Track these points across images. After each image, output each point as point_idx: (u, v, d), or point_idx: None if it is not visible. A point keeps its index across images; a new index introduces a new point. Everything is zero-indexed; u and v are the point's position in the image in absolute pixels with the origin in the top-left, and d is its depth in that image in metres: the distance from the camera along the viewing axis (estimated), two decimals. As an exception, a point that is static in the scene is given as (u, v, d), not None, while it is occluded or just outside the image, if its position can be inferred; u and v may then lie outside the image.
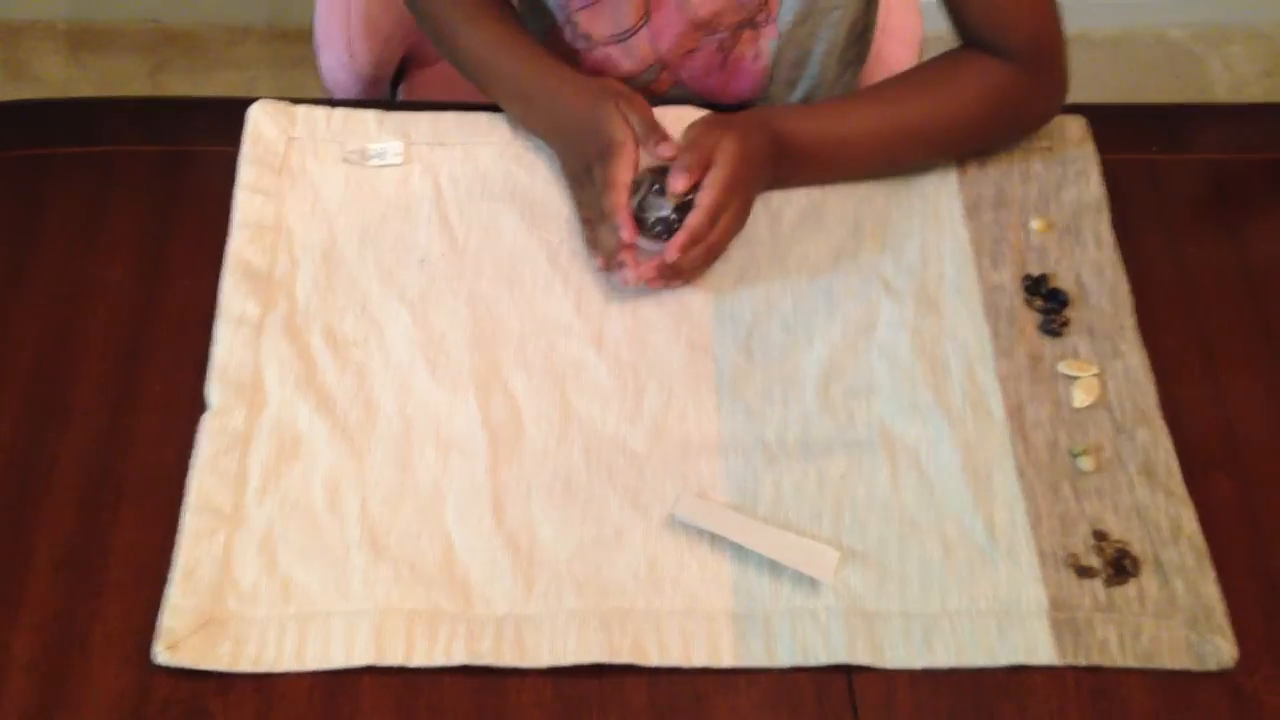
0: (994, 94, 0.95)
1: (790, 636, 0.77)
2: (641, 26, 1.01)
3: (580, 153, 0.92)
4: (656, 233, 0.87)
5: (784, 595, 0.78)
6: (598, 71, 1.06)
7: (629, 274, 0.88)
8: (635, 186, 0.87)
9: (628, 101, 0.93)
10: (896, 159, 0.97)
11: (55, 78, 2.04)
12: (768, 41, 1.02)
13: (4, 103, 0.99)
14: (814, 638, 0.77)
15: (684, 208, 0.86)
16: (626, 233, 0.86)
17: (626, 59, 1.03)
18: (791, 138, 0.93)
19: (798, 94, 1.08)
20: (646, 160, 0.89)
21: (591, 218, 0.91)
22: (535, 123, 0.97)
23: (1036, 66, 0.95)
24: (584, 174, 0.92)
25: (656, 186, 0.87)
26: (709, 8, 0.98)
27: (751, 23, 1.00)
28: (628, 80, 1.03)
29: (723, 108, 0.97)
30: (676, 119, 0.96)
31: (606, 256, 0.89)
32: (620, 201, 0.87)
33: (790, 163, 0.93)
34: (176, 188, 0.95)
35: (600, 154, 0.89)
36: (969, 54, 0.96)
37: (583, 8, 1.01)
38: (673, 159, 0.87)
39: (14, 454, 0.82)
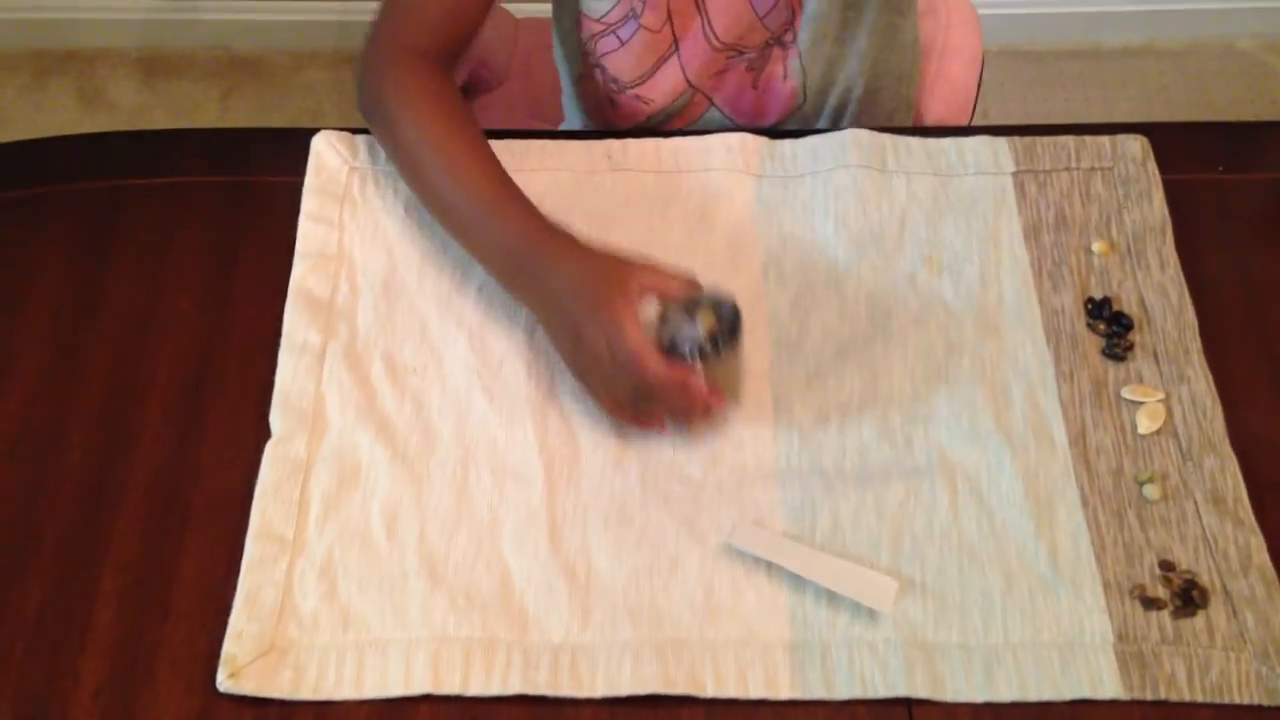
0: None
1: (848, 668, 0.76)
2: (670, 55, 1.01)
3: (575, 321, 0.83)
4: (691, 361, 0.80)
5: (841, 626, 0.78)
6: (631, 111, 1.06)
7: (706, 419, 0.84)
8: (662, 321, 0.81)
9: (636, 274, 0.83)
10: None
11: (128, 104, 2.09)
12: (794, 60, 1.02)
13: (73, 136, 1.02)
14: (872, 669, 0.76)
15: (715, 331, 0.80)
16: (681, 375, 0.80)
17: (658, 92, 1.03)
18: None
19: (829, 106, 1.07)
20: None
21: (602, 389, 0.84)
22: (522, 289, 0.88)
23: None
24: (581, 343, 0.82)
25: (683, 314, 0.81)
26: (735, 31, 0.98)
27: (779, 41, 1.00)
28: (661, 111, 1.03)
29: (760, 130, 0.97)
30: (721, 145, 0.97)
31: (686, 415, 0.83)
32: (651, 363, 0.79)
33: None
34: (242, 218, 0.97)
35: (609, 318, 0.80)
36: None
37: (609, 52, 1.01)
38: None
39: (83, 480, 0.83)
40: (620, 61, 1.02)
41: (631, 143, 1.01)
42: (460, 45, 0.95)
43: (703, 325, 0.80)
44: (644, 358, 0.78)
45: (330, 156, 0.98)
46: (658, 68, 1.02)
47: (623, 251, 0.84)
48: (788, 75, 1.03)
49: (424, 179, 0.91)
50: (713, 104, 1.06)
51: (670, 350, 0.80)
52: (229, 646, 0.76)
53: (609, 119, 1.10)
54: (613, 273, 0.82)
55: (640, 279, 0.81)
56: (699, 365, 0.80)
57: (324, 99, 2.09)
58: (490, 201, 0.88)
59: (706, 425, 0.84)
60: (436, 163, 0.89)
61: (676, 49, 1.00)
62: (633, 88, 1.04)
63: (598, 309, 0.80)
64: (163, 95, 2.10)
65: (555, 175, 0.98)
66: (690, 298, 0.82)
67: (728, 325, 0.81)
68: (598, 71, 1.04)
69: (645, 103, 1.05)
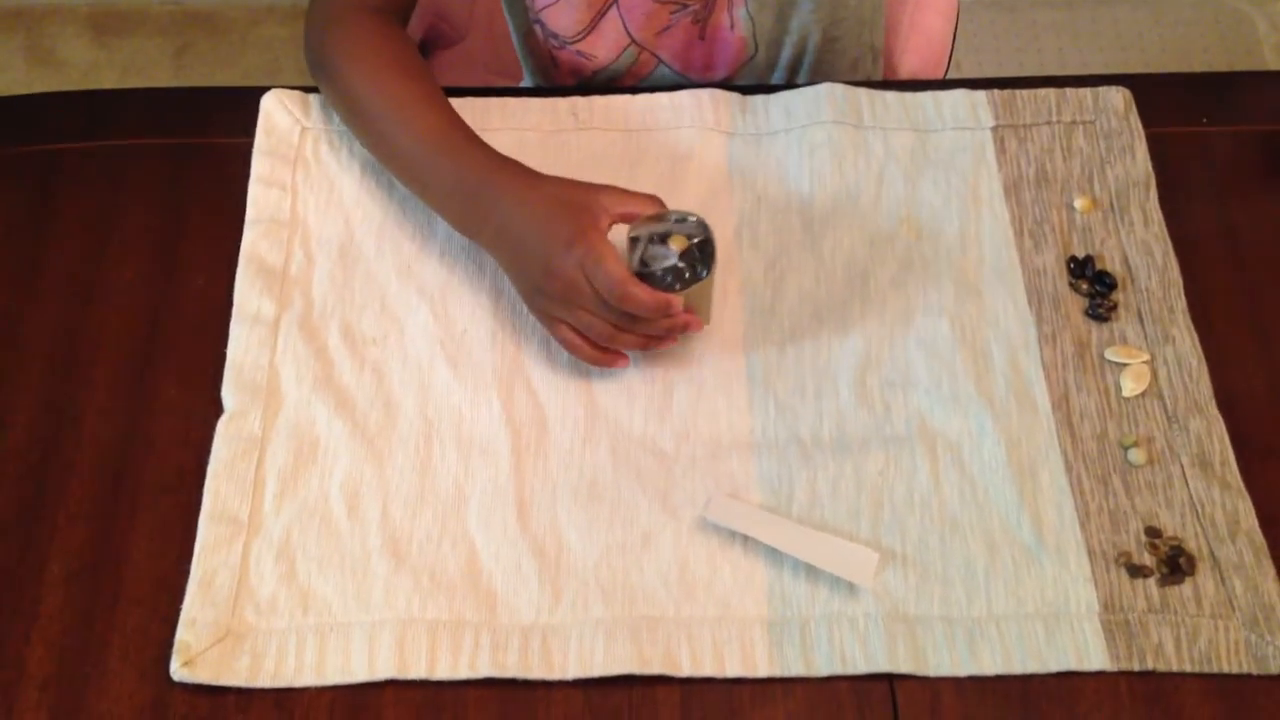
0: None
1: (828, 644, 0.73)
2: (609, 9, 0.97)
3: (544, 254, 0.80)
4: (668, 284, 0.79)
5: (821, 600, 0.75)
6: (574, 67, 1.02)
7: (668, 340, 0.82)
8: (632, 244, 0.80)
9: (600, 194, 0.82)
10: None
11: (79, 61, 2.03)
12: (740, 8, 0.98)
13: (8, 97, 0.97)
14: (853, 645, 0.73)
15: (689, 253, 0.80)
16: (666, 300, 0.77)
17: (600, 49, 0.99)
18: None
19: (784, 57, 1.03)
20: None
21: (571, 318, 0.81)
22: (477, 226, 0.85)
23: None
24: (552, 276, 0.80)
25: (655, 237, 0.80)
26: None
27: None
28: (606, 69, 0.99)
29: (732, 87, 0.95)
30: (692, 101, 0.93)
31: (643, 338, 0.81)
32: (636, 290, 0.77)
33: None
34: (190, 183, 0.93)
35: (585, 251, 0.78)
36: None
37: (546, 6, 0.97)
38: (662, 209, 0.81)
39: (25, 461, 0.80)
40: (559, 15, 0.98)
41: (598, 100, 0.97)
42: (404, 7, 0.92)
43: (676, 247, 0.80)
44: (628, 285, 0.77)
45: (281, 117, 0.94)
46: (596, 22, 0.98)
47: (581, 181, 0.83)
48: (734, 24, 0.99)
49: (371, 126, 0.88)
50: (661, 61, 1.02)
51: (644, 276, 0.79)
52: (183, 633, 0.73)
53: (553, 78, 1.06)
54: (578, 201, 0.81)
55: (607, 204, 0.80)
56: (677, 289, 0.79)
57: (281, 55, 2.04)
58: (439, 140, 0.85)
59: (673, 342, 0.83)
60: (384, 108, 0.87)
61: (615, 1, 0.96)
62: (574, 43, 1.00)
63: (572, 242, 0.78)
64: (115, 53, 2.04)
65: (520, 135, 0.94)
66: (658, 218, 0.81)
67: (700, 246, 0.80)
68: (538, 27, 1.00)
69: (588, 59, 1.01)
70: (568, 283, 0.79)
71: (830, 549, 0.76)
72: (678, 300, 0.78)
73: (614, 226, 0.81)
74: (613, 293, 0.77)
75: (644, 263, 0.80)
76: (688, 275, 0.79)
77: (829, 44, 1.04)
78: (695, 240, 0.80)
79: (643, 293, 0.77)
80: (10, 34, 2.06)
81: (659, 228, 0.81)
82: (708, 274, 0.79)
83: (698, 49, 1.01)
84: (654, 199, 0.82)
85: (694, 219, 0.81)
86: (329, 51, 0.89)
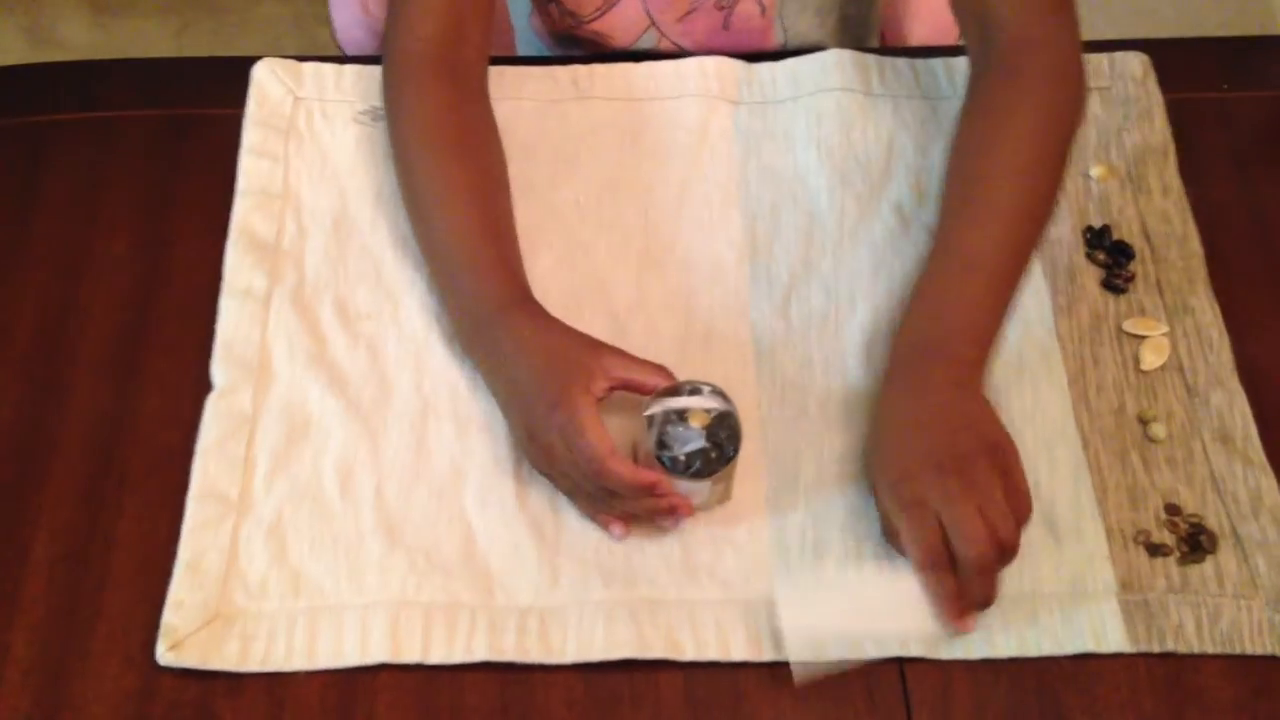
0: (1049, 123, 0.81)
1: (836, 626, 0.71)
2: None
3: (528, 412, 0.74)
4: (695, 471, 0.71)
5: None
6: (593, 46, 0.99)
7: (671, 521, 0.73)
8: (648, 423, 0.72)
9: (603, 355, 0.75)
10: (1027, 245, 0.79)
11: (79, 42, 2.01)
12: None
13: (-4, 68, 0.95)
14: (862, 627, 0.71)
15: (715, 435, 0.72)
16: (650, 481, 0.70)
17: (618, 29, 0.96)
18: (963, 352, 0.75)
19: (808, 25, 1.00)
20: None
21: (556, 480, 0.75)
22: (477, 355, 0.79)
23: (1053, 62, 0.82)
24: (534, 438, 0.74)
25: (672, 415, 0.72)
26: None
27: None
28: (625, 51, 0.96)
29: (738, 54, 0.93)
30: (696, 69, 0.91)
31: (624, 521, 0.74)
32: (615, 466, 0.70)
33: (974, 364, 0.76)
34: (180, 154, 0.90)
35: (567, 418, 0.71)
36: (991, 107, 0.82)
37: None
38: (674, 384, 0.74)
39: (11, 440, 0.78)
40: None
41: (599, 68, 0.94)
42: (477, 45, 0.86)
43: (698, 425, 0.72)
44: (606, 461, 0.70)
45: (273, 86, 0.91)
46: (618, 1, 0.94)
47: (589, 336, 0.76)
48: (765, 10, 0.95)
49: (416, 200, 0.83)
50: (681, 49, 0.99)
51: (665, 460, 0.71)
52: (169, 616, 0.70)
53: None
54: (575, 360, 0.74)
55: (608, 366, 0.74)
56: (705, 476, 0.71)
57: (283, 34, 2.01)
58: (469, 250, 0.79)
59: (673, 527, 0.75)
60: (429, 189, 0.81)
61: None
62: (591, 20, 0.97)
63: (555, 404, 0.72)
64: (114, 34, 2.02)
65: (517, 104, 0.92)
66: (672, 391, 0.73)
67: (721, 419, 0.72)
68: (553, 6, 0.97)
69: (604, 39, 0.98)
70: (547, 447, 0.72)
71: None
72: (664, 481, 0.70)
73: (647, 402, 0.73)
74: (590, 467, 0.70)
75: (662, 444, 0.72)
76: (714, 455, 0.71)
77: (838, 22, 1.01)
78: (715, 414, 0.72)
79: (624, 469, 0.70)
80: (10, 14, 2.04)
81: (675, 403, 0.72)
82: (735, 453, 0.72)
83: (719, 40, 0.98)
84: (662, 370, 0.75)
85: (708, 388, 0.73)
86: (393, 108, 0.85)
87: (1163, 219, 0.87)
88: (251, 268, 0.83)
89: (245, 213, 0.86)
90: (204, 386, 0.79)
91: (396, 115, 0.84)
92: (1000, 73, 0.82)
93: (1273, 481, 0.76)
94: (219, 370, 0.79)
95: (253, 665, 0.70)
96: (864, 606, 0.71)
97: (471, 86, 0.86)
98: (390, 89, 0.86)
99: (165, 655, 0.69)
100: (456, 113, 0.84)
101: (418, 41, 0.84)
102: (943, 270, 0.78)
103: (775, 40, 0.99)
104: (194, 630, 0.70)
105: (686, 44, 0.99)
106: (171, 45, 2.01)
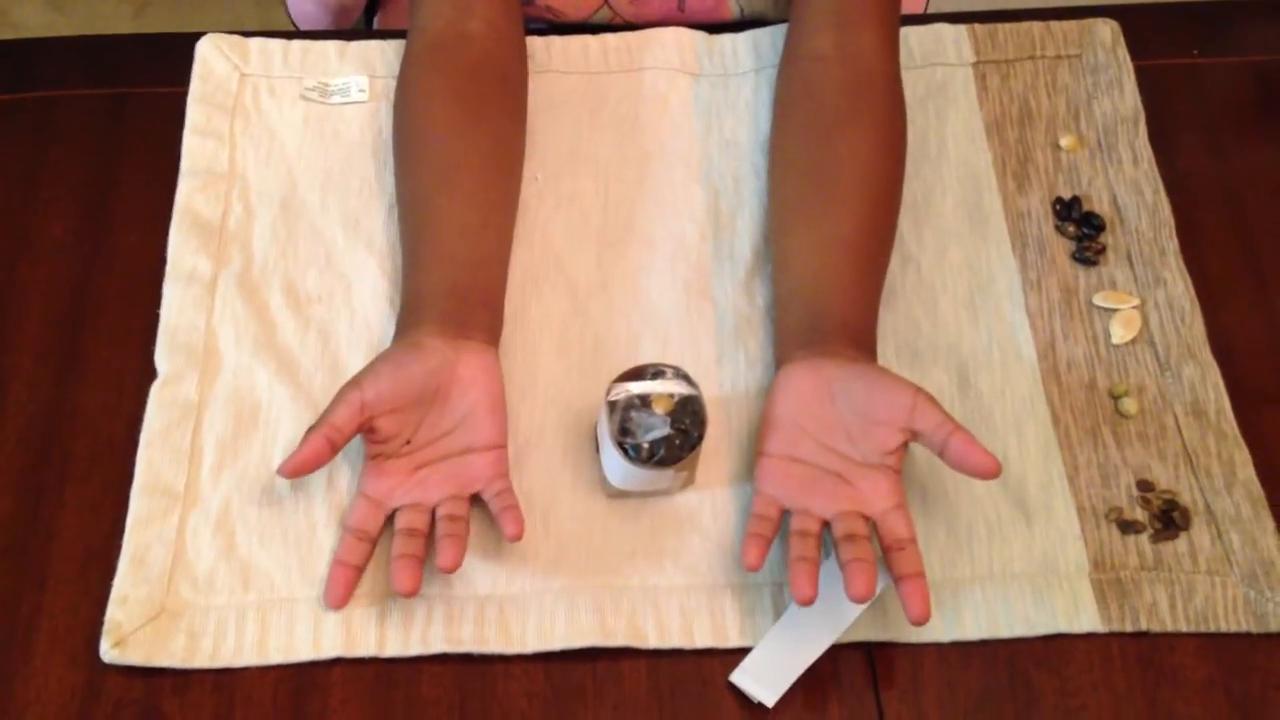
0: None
1: (803, 610, 0.69)
2: None
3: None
4: (659, 459, 0.69)
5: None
6: (544, 20, 0.96)
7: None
8: (609, 408, 0.70)
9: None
10: (886, 226, 0.80)
11: (35, 24, 1.97)
12: None
13: (-76, 48, 0.92)
14: (829, 611, 0.69)
15: (679, 421, 0.69)
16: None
17: (569, 3, 0.93)
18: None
19: (764, 3, 0.97)
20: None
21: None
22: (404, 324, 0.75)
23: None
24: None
25: (635, 400, 0.70)
26: None
27: None
28: (577, 24, 0.93)
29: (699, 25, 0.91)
30: (655, 40, 0.88)
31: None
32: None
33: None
34: (122, 134, 0.87)
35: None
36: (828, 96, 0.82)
37: None
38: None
39: (-53, 433, 0.75)
40: None
41: (556, 40, 0.92)
42: (485, 18, 0.83)
43: (661, 410, 0.69)
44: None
45: (219, 63, 0.88)
46: None
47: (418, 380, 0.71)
48: None
49: (412, 171, 0.80)
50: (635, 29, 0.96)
51: (627, 447, 0.69)
52: (113, 612, 0.68)
53: None
54: (435, 372, 0.71)
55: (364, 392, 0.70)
56: (669, 464, 0.69)
57: (244, 14, 1.98)
58: (453, 238, 0.76)
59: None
60: (429, 167, 0.79)
61: None
62: None
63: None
64: (71, 15, 1.98)
65: (472, 78, 0.89)
66: (634, 374, 0.70)
67: (684, 403, 0.70)
68: None
69: (555, 15, 0.95)
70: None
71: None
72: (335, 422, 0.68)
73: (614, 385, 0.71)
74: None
75: (625, 431, 0.69)
76: (678, 443, 0.69)
77: None
78: (679, 398, 0.70)
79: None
80: (-42, -4, 1.99)
81: (637, 388, 0.70)
82: (700, 439, 0.69)
83: (675, 21, 0.95)
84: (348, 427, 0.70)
85: (672, 371, 0.70)
86: (403, 90, 0.83)
87: (1133, 189, 0.85)
88: (196, 251, 0.80)
89: (189, 194, 0.83)
90: (148, 375, 0.76)
91: (402, 95, 0.83)
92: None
93: (1246, 455, 0.75)
94: (163, 358, 0.77)
95: (201, 661, 0.67)
96: (802, 632, 0.68)
97: (477, 60, 0.83)
98: (401, 71, 0.84)
99: (110, 652, 0.67)
100: (470, 84, 0.81)
101: (434, 20, 0.83)
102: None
103: (731, 17, 0.96)
104: (139, 626, 0.68)
105: (640, 24, 0.96)
106: (130, 27, 1.96)
